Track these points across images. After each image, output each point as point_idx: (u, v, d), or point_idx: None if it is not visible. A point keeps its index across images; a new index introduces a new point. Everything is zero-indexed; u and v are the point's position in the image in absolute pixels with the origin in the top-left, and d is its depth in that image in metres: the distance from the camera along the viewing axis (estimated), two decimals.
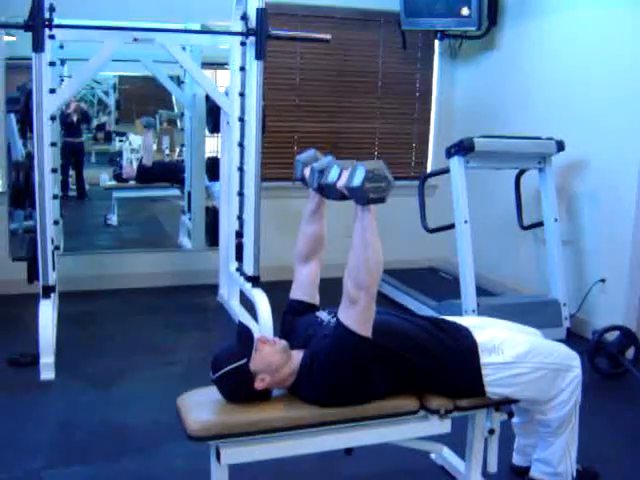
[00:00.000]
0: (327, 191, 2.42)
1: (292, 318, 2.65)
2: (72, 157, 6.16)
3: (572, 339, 4.63)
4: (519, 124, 5.41)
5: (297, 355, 2.43)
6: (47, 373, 3.93)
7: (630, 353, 4.28)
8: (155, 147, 6.52)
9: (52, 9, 4.15)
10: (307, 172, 2.60)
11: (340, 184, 2.28)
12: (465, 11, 5.54)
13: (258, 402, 2.38)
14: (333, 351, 2.31)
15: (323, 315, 2.57)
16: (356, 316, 2.29)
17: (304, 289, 2.69)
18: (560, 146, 4.69)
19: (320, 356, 2.34)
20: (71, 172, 6.24)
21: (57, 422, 3.50)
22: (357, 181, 2.17)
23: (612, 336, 4.27)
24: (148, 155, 6.37)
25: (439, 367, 2.46)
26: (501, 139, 4.72)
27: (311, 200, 2.66)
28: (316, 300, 2.70)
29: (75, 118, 6.07)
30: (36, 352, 3.96)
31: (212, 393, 2.40)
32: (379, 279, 2.32)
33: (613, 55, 4.63)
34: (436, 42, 6.25)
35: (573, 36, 5.00)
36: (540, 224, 5.01)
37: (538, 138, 4.75)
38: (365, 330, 2.30)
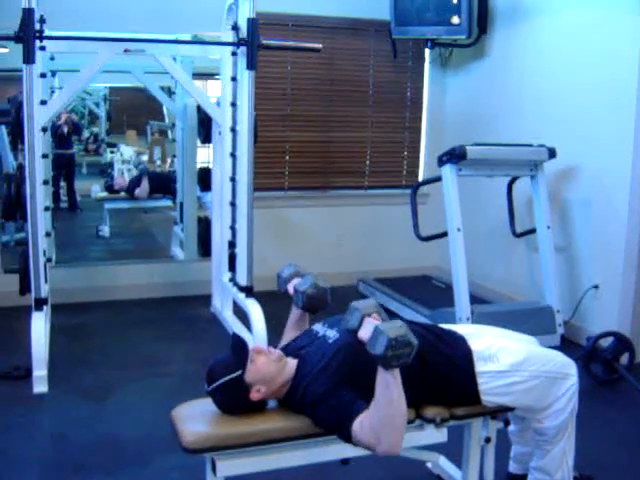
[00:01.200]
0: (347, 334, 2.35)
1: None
2: (63, 169, 6.13)
3: (566, 346, 4.64)
4: (510, 132, 5.43)
5: (291, 363, 2.43)
6: (40, 386, 3.89)
7: (624, 359, 4.29)
8: (146, 158, 6.51)
9: (43, 21, 4.14)
10: (290, 288, 2.72)
11: (362, 337, 2.21)
12: (455, 20, 5.56)
13: (253, 413, 2.37)
14: (326, 422, 2.30)
15: (318, 327, 2.57)
16: (364, 446, 2.24)
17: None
18: (552, 153, 4.70)
19: (313, 409, 2.32)
20: (62, 184, 6.21)
21: (50, 435, 3.48)
22: (379, 350, 2.10)
23: (606, 342, 4.28)
24: (141, 196, 6.38)
25: (434, 375, 2.45)
26: (493, 147, 4.73)
27: (294, 312, 2.79)
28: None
29: (66, 129, 6.05)
30: (29, 365, 3.93)
31: (207, 405, 2.38)
32: (403, 436, 2.22)
33: (603, 62, 4.65)
34: (426, 50, 6.26)
35: (563, 44, 5.01)
36: (533, 231, 5.02)
37: (530, 145, 4.76)
38: (358, 445, 2.27)
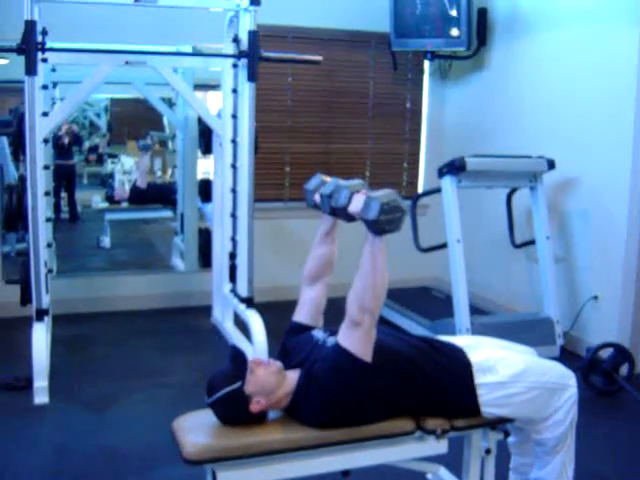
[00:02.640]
0: (338, 213, 2.44)
1: (288, 339, 2.65)
2: (64, 179, 6.15)
3: (566, 356, 4.64)
4: (509, 143, 5.45)
5: (292, 375, 2.43)
6: (41, 397, 3.91)
7: (624, 370, 4.29)
8: (147, 169, 6.53)
9: (45, 33, 4.17)
10: (317, 198, 2.61)
11: (353, 210, 2.29)
12: (455, 32, 5.59)
13: (254, 425, 2.37)
14: (332, 374, 2.32)
15: (319, 334, 2.57)
16: (358, 339, 2.30)
17: (308, 312, 2.69)
18: (551, 164, 4.72)
19: (319, 378, 2.33)
20: (63, 194, 6.24)
21: (52, 446, 3.48)
22: (372, 214, 2.18)
23: (606, 353, 4.29)
24: (142, 177, 6.37)
25: (434, 387, 2.45)
26: (492, 158, 4.75)
27: (325, 222, 2.70)
28: (319, 324, 2.69)
29: (67, 140, 6.08)
30: (30, 376, 3.94)
31: (208, 416, 2.39)
32: (383, 303, 2.34)
33: (602, 74, 4.67)
34: (426, 63, 6.29)
35: (562, 56, 5.04)
36: (532, 242, 5.03)
37: (529, 157, 4.77)
38: (366, 354, 2.31)
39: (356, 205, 2.29)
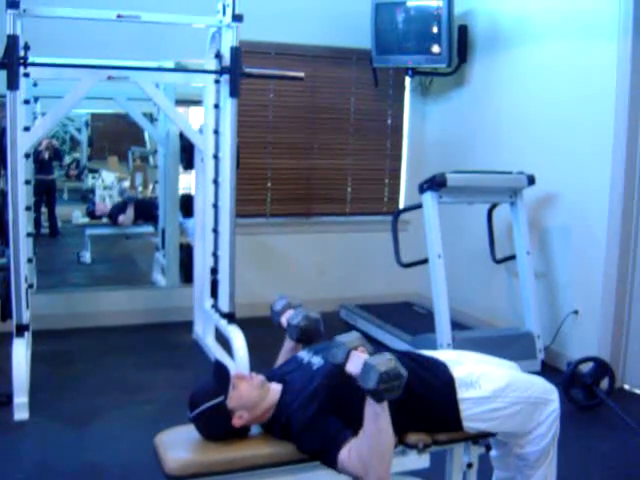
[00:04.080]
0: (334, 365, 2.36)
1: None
2: (44, 194, 6.12)
3: (547, 371, 4.66)
4: (490, 159, 5.48)
5: (275, 388, 2.44)
6: (21, 413, 3.87)
7: (604, 384, 4.32)
8: (128, 184, 6.51)
9: (27, 47, 4.16)
10: (284, 321, 2.76)
11: (351, 372, 2.24)
12: (435, 49, 5.64)
13: (236, 439, 2.37)
14: (312, 447, 2.31)
15: (303, 354, 2.59)
16: (349, 475, 2.28)
17: None
18: (531, 180, 4.76)
19: (299, 436, 2.33)
20: (43, 209, 6.20)
21: (32, 463, 3.44)
22: (371, 384, 2.14)
23: (586, 367, 4.31)
24: (125, 223, 6.37)
25: (417, 402, 2.45)
26: (473, 174, 4.78)
27: (288, 343, 2.81)
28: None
29: (47, 155, 6.04)
30: (10, 391, 3.90)
31: (189, 431, 2.38)
32: (391, 466, 2.27)
33: (581, 89, 4.73)
34: (407, 79, 6.33)
35: (541, 72, 5.09)
36: (513, 257, 5.06)
37: (509, 173, 4.81)
38: (343, 473, 2.29)
39: (354, 367, 2.23)
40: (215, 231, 4.85)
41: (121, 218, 6.31)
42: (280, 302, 2.85)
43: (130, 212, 6.33)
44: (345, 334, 2.36)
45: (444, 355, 2.74)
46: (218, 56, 4.62)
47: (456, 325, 4.86)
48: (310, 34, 5.95)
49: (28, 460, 3.48)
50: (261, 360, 2.82)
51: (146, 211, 6.39)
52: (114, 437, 3.74)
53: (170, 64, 4.93)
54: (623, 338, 4.60)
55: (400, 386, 2.17)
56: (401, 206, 6.44)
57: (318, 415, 2.30)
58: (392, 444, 2.25)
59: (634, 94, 4.38)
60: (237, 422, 2.34)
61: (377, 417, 2.19)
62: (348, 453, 2.23)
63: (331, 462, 2.26)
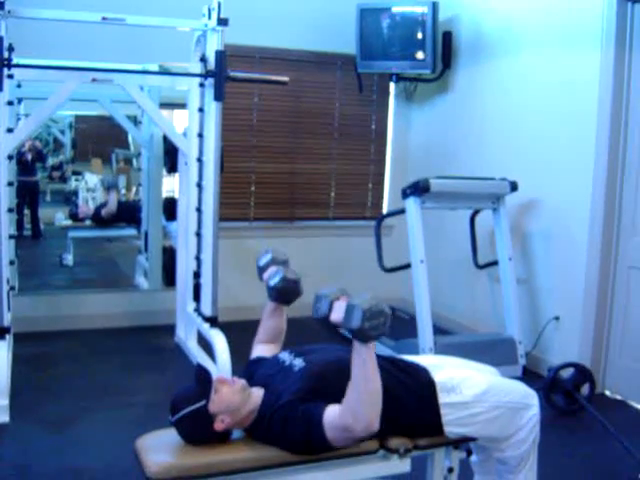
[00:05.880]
0: (320, 323, 2.37)
1: (252, 364, 2.70)
2: (27, 196, 6.09)
3: (528, 376, 4.68)
4: (473, 165, 5.52)
5: (257, 392, 2.44)
6: (2, 416, 3.85)
7: (585, 389, 4.34)
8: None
9: (11, 49, 4.14)
10: (265, 277, 2.75)
11: (334, 319, 2.26)
12: (420, 55, 5.67)
13: (218, 443, 2.37)
14: (300, 437, 2.31)
15: (284, 356, 2.59)
16: (342, 439, 2.30)
17: (265, 352, 2.76)
18: (513, 186, 4.79)
19: (286, 425, 2.33)
20: (26, 211, 6.17)
21: (12, 466, 3.41)
22: (355, 322, 2.15)
23: (567, 373, 4.34)
24: (109, 213, 6.31)
25: (398, 407, 2.45)
26: (456, 180, 4.81)
27: (269, 304, 2.81)
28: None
29: (30, 157, 6.02)
30: None
31: (171, 435, 2.38)
32: (380, 412, 2.30)
33: (564, 97, 4.76)
34: (391, 85, 6.35)
35: (524, 79, 5.13)
36: (495, 263, 5.08)
37: (492, 179, 4.84)
38: (338, 443, 2.31)
39: (337, 314, 2.26)
40: (198, 235, 4.85)
41: (104, 211, 6.26)
42: (264, 257, 2.80)
43: (112, 198, 6.27)
44: (325, 288, 2.38)
45: (425, 360, 2.75)
46: (203, 59, 4.62)
47: (438, 330, 4.89)
48: (295, 39, 5.96)
49: (8, 463, 3.45)
50: (243, 364, 2.81)
51: (129, 213, 6.37)
52: (95, 440, 3.72)
53: (155, 67, 4.93)
54: (604, 344, 4.63)
55: (385, 323, 2.19)
56: (385, 211, 6.46)
57: (299, 409, 2.32)
58: (380, 391, 2.27)
59: (616, 103, 4.42)
60: (219, 426, 2.34)
61: (364, 364, 2.21)
62: (333, 413, 2.26)
63: (319, 435, 2.28)
